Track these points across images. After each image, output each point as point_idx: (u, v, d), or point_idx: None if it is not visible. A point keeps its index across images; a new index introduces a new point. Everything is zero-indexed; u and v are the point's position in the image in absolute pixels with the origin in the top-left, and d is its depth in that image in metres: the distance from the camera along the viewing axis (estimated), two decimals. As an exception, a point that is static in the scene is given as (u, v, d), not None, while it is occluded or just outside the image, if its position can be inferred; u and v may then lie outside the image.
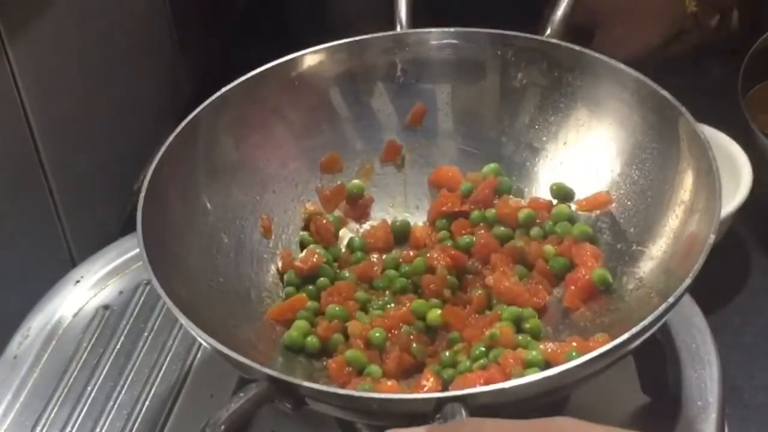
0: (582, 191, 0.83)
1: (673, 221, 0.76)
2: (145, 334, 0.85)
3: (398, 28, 0.88)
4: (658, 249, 0.77)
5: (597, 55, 0.83)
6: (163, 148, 0.78)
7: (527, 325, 0.76)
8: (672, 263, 0.74)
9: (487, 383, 0.69)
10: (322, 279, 0.81)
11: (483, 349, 0.74)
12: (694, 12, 1.14)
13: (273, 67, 0.85)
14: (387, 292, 0.81)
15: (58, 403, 0.81)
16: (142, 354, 0.84)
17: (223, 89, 0.83)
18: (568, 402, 0.76)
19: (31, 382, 0.82)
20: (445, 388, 0.72)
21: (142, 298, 0.88)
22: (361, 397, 0.65)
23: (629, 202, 0.81)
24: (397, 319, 0.77)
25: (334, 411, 0.67)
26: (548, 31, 0.85)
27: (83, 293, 0.89)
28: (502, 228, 0.82)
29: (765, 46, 1.05)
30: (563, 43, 0.84)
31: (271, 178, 0.85)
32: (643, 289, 0.76)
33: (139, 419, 0.79)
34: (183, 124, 0.80)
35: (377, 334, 0.76)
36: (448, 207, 0.84)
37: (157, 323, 0.86)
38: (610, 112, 0.83)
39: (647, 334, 0.67)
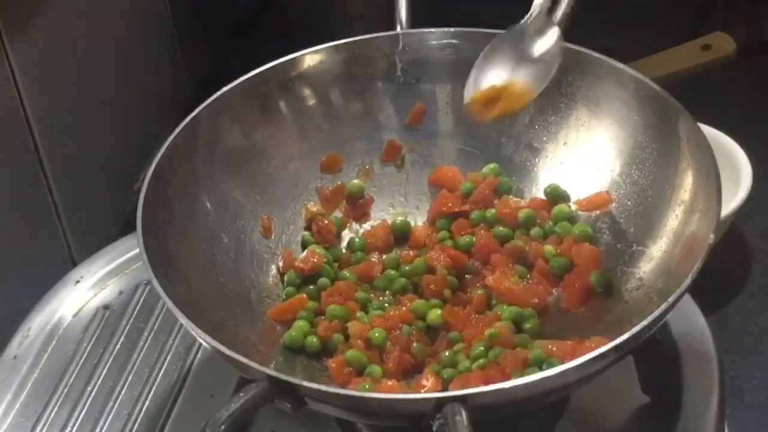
0: (582, 191, 0.83)
1: (673, 221, 0.76)
2: (145, 334, 0.85)
3: (398, 28, 0.88)
4: (658, 249, 0.77)
5: (597, 55, 0.83)
6: (163, 148, 0.78)
7: (527, 325, 0.76)
8: (672, 263, 0.74)
9: (486, 383, 0.68)
10: (322, 279, 0.81)
11: (483, 348, 0.74)
12: None
13: (273, 67, 0.85)
14: (387, 292, 0.81)
15: (58, 403, 0.81)
16: (142, 354, 0.83)
17: (223, 89, 0.83)
18: (568, 402, 0.76)
19: (31, 382, 0.82)
20: (445, 388, 0.72)
21: (142, 298, 0.88)
22: (361, 397, 0.65)
23: (629, 202, 0.81)
24: (397, 319, 0.77)
25: (334, 411, 0.67)
26: (548, 31, 0.85)
27: (83, 293, 0.88)
28: (502, 228, 0.82)
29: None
30: (563, 43, 0.84)
31: (271, 178, 0.85)
32: (642, 289, 0.76)
33: (139, 419, 0.79)
34: (183, 124, 0.80)
35: (377, 334, 0.76)
36: (448, 207, 0.84)
37: (157, 323, 0.86)
38: (610, 112, 0.83)
39: (647, 335, 0.66)
